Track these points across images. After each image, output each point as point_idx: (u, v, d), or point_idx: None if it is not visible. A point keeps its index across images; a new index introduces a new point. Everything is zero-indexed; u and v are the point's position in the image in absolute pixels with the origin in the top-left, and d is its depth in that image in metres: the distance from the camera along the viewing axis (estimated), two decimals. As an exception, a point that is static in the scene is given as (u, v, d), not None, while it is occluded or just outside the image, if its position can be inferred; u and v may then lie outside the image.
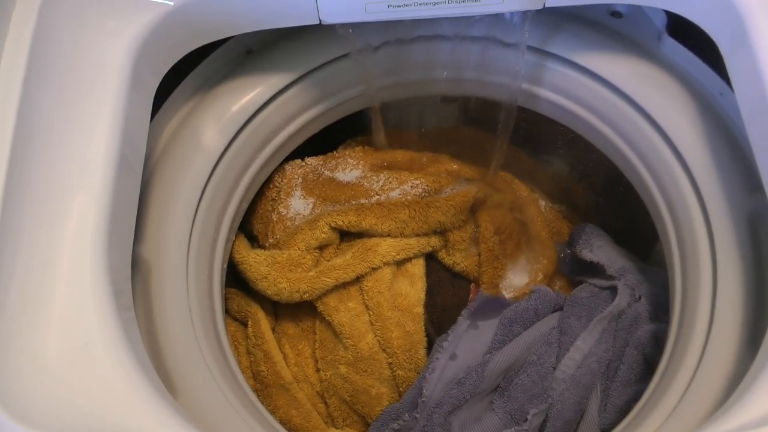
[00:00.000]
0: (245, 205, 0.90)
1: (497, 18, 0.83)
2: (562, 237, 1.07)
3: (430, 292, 0.94)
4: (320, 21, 0.74)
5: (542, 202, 1.10)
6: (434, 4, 0.73)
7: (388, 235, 0.91)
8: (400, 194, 0.94)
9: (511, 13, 0.81)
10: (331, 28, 0.79)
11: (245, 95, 0.84)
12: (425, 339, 0.91)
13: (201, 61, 0.84)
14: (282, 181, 0.97)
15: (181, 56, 0.75)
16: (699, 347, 0.71)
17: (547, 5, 0.74)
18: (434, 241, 0.94)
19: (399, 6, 0.73)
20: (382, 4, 0.73)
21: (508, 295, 0.99)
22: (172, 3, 0.70)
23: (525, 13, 0.80)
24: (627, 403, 0.83)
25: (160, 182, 0.78)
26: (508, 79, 0.88)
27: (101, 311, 0.58)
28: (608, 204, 1.16)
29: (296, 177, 0.97)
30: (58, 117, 0.64)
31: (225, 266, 0.86)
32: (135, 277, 0.72)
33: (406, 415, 0.85)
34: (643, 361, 0.85)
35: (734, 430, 0.52)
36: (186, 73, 0.83)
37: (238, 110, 0.83)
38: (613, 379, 0.84)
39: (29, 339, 0.56)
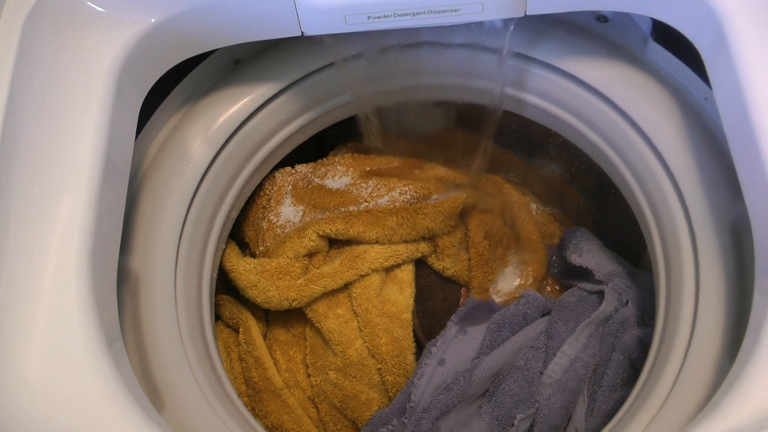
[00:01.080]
0: (235, 214, 0.91)
1: (481, 25, 0.83)
2: (553, 240, 1.08)
3: (420, 296, 0.95)
4: (302, 33, 0.75)
5: (533, 206, 1.10)
6: (414, 14, 0.74)
7: (377, 242, 0.92)
8: (388, 201, 0.95)
9: (494, 21, 0.81)
10: (318, 37, 0.80)
11: (233, 105, 0.84)
12: (414, 344, 0.92)
13: (189, 72, 0.84)
14: (272, 188, 0.98)
15: (165, 71, 0.75)
16: (681, 353, 0.71)
17: (528, 13, 0.74)
18: (423, 247, 0.95)
19: (379, 17, 0.74)
20: (361, 16, 0.73)
21: (498, 299, 0.99)
22: (153, 19, 0.71)
23: (507, 20, 0.80)
24: (613, 407, 0.83)
25: (148, 194, 0.79)
26: (492, 85, 0.89)
27: (85, 327, 0.59)
28: (600, 206, 1.16)
29: (286, 184, 0.98)
30: (43, 130, 0.65)
31: (215, 275, 0.87)
32: (123, 289, 0.73)
33: (395, 420, 0.86)
34: (629, 366, 0.85)
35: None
36: (174, 85, 0.84)
37: (225, 120, 0.84)
38: (600, 383, 0.85)
39: (11, 355, 0.57)
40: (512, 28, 0.81)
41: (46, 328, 0.58)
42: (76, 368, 0.58)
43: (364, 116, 0.95)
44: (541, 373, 0.86)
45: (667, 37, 0.80)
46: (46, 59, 0.68)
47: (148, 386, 0.70)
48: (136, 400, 0.59)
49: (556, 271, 1.02)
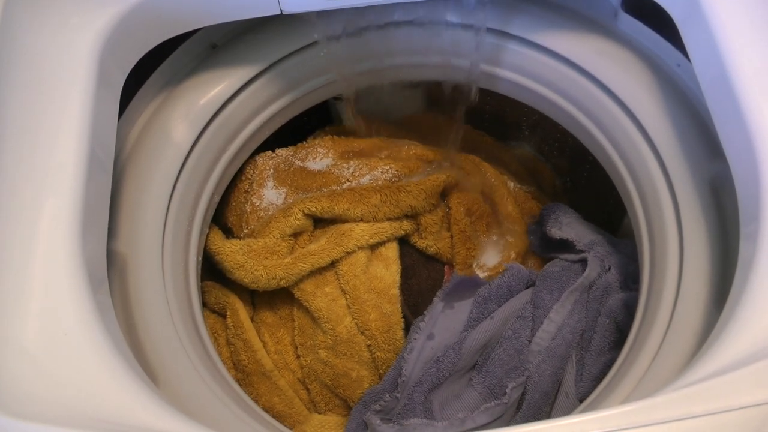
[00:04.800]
0: (217, 198, 0.91)
1: (455, 1, 0.84)
2: (532, 216, 1.09)
3: (405, 275, 0.95)
4: (281, 11, 0.75)
5: (511, 184, 1.12)
6: (394, -11, 0.75)
7: (361, 220, 0.92)
8: (370, 180, 0.95)
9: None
10: (294, 19, 0.80)
11: (212, 89, 0.85)
12: (402, 320, 0.92)
13: (166, 57, 0.84)
14: (254, 172, 0.98)
15: (145, 51, 0.75)
16: (668, 310, 0.72)
17: (505, -15, 0.76)
18: (406, 225, 0.95)
19: (358, -9, 0.74)
20: (341, -9, 0.74)
21: (482, 274, 1.00)
22: (135, -2, 0.71)
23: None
24: (602, 371, 0.84)
25: (131, 177, 0.79)
26: (467, 62, 0.90)
27: (78, 301, 0.59)
28: (575, 183, 1.18)
29: (268, 168, 0.98)
30: (25, 117, 0.65)
31: (200, 258, 0.87)
32: (111, 271, 0.72)
33: (387, 395, 0.86)
34: (615, 329, 0.86)
35: (706, 377, 0.54)
36: (152, 70, 0.83)
37: (205, 103, 0.84)
38: (588, 348, 0.86)
39: (9, 330, 0.57)
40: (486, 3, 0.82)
41: (40, 306, 0.58)
42: (72, 341, 0.57)
43: (346, 98, 0.96)
44: (530, 342, 0.87)
45: (637, 7, 0.82)
46: (28, 38, 0.67)
47: (141, 365, 0.69)
48: (134, 371, 0.59)
49: (536, 245, 1.04)
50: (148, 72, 0.83)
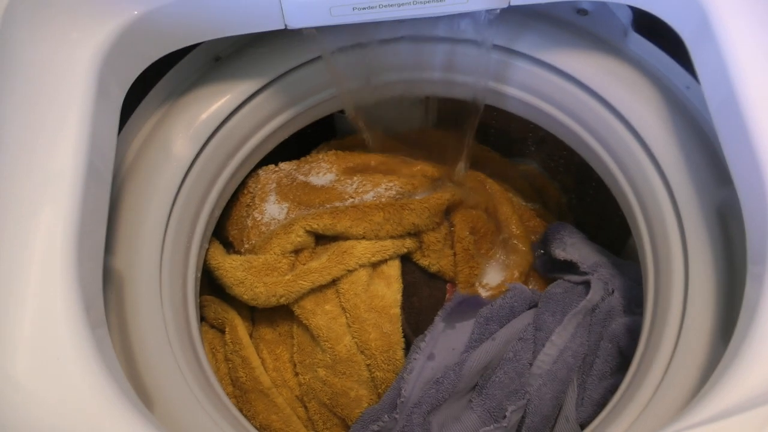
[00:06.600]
0: (218, 213, 0.90)
1: (464, 17, 0.83)
2: (536, 235, 1.08)
3: (406, 293, 0.94)
4: (285, 26, 0.74)
5: (515, 201, 1.10)
6: (399, 5, 0.74)
7: (363, 238, 0.91)
8: (374, 197, 0.94)
9: (477, 12, 0.81)
10: (298, 32, 0.79)
11: (214, 102, 0.83)
12: (403, 340, 0.91)
13: (168, 69, 0.83)
14: (256, 186, 0.97)
15: (146, 65, 0.74)
16: (672, 339, 0.71)
17: (512, 4, 0.75)
18: (409, 243, 0.94)
19: (364, 8, 0.73)
20: (347, 7, 0.73)
21: (484, 293, 0.99)
22: (135, 12, 0.70)
23: (491, 12, 0.80)
24: (603, 396, 0.83)
25: (130, 192, 0.78)
26: (475, 78, 0.89)
27: (72, 326, 0.57)
28: (580, 201, 1.17)
29: (270, 182, 0.97)
30: (24, 129, 0.63)
31: (199, 275, 0.86)
32: (108, 289, 0.71)
33: (386, 416, 0.85)
34: (618, 354, 0.85)
35: (708, 420, 0.53)
36: (154, 83, 0.83)
37: (207, 118, 0.83)
38: (589, 372, 0.85)
39: (-1, 355, 0.56)
40: (497, 16, 0.81)
41: (33, 330, 0.56)
42: (64, 367, 0.56)
43: (348, 112, 0.95)
44: (531, 364, 0.86)
45: (647, 27, 0.81)
46: (26, 52, 0.66)
47: (135, 386, 0.69)
48: (127, 398, 0.58)
49: (540, 265, 1.03)
50: (151, 83, 0.83)
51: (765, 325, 0.55)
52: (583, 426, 0.84)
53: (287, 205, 0.95)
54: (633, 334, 0.84)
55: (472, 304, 0.93)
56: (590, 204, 1.12)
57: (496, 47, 0.86)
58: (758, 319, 0.55)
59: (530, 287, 0.98)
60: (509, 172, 1.15)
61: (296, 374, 0.93)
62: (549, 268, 1.01)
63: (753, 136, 0.61)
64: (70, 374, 0.56)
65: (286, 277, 0.88)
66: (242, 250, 0.95)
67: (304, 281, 0.88)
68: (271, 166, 0.99)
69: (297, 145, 1.01)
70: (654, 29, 0.79)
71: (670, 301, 0.73)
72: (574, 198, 1.17)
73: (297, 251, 0.93)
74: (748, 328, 0.55)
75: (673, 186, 0.76)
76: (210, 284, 0.93)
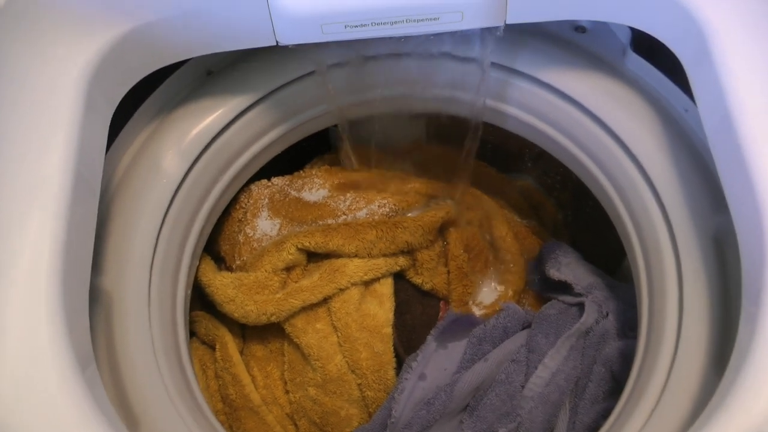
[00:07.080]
0: (209, 229, 0.89)
1: (460, 35, 0.82)
2: (531, 253, 1.07)
3: (399, 310, 0.93)
4: (277, 42, 0.73)
5: (511, 217, 1.09)
6: (392, 23, 0.72)
7: (356, 256, 0.90)
8: (367, 214, 0.93)
9: (473, 30, 0.80)
10: (292, 47, 0.78)
11: (205, 118, 0.83)
12: (394, 359, 0.90)
13: (159, 84, 0.82)
14: (248, 201, 0.96)
15: (135, 81, 0.74)
16: (666, 366, 0.70)
17: (508, 22, 0.73)
18: (402, 261, 0.93)
19: (356, 26, 0.72)
20: (338, 25, 0.72)
21: (478, 312, 0.98)
22: (126, 27, 0.69)
23: (487, 29, 0.79)
24: (595, 420, 0.82)
25: (120, 209, 0.77)
26: (472, 96, 0.88)
27: (57, 353, 0.56)
28: (576, 218, 1.15)
29: (262, 197, 0.96)
30: (11, 142, 0.63)
31: (189, 292, 0.85)
32: (96, 309, 0.70)
33: (376, 436, 0.85)
34: (611, 379, 0.84)
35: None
36: (145, 97, 0.82)
37: (198, 133, 0.82)
38: (582, 396, 0.84)
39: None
40: (499, 34, 0.80)
41: (15, 354, 0.56)
42: (47, 397, 0.55)
43: (341, 128, 0.94)
44: (523, 387, 0.85)
45: (646, 47, 0.80)
46: (13, 68, 0.65)
47: (122, 407, 0.68)
48: (110, 423, 0.57)
49: (535, 284, 1.02)
50: (141, 97, 0.82)
51: (756, 366, 0.54)
52: (574, 450, 0.83)
53: (279, 221, 0.94)
54: (626, 359, 0.83)
55: (464, 323, 0.92)
56: (586, 221, 1.11)
57: (494, 65, 0.85)
58: (750, 361, 0.54)
59: (524, 306, 0.97)
60: (505, 187, 1.14)
61: (287, 392, 0.92)
62: (544, 287, 1.00)
63: (749, 165, 0.60)
64: (51, 402, 0.55)
65: (277, 296, 0.88)
66: (233, 266, 0.94)
67: (295, 300, 0.87)
68: (264, 182, 0.98)
69: (291, 159, 0.99)
70: (653, 50, 0.78)
71: (664, 328, 0.72)
72: (570, 215, 1.16)
73: (288, 269, 0.92)
74: (739, 370, 0.54)
75: (669, 211, 0.75)
76: (201, 299, 0.92)
